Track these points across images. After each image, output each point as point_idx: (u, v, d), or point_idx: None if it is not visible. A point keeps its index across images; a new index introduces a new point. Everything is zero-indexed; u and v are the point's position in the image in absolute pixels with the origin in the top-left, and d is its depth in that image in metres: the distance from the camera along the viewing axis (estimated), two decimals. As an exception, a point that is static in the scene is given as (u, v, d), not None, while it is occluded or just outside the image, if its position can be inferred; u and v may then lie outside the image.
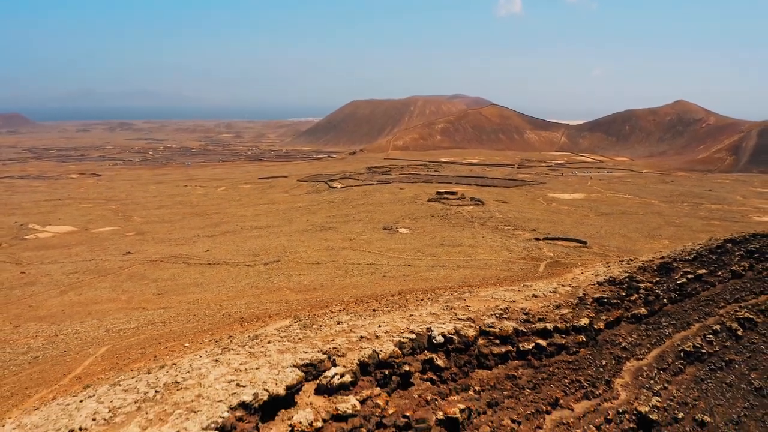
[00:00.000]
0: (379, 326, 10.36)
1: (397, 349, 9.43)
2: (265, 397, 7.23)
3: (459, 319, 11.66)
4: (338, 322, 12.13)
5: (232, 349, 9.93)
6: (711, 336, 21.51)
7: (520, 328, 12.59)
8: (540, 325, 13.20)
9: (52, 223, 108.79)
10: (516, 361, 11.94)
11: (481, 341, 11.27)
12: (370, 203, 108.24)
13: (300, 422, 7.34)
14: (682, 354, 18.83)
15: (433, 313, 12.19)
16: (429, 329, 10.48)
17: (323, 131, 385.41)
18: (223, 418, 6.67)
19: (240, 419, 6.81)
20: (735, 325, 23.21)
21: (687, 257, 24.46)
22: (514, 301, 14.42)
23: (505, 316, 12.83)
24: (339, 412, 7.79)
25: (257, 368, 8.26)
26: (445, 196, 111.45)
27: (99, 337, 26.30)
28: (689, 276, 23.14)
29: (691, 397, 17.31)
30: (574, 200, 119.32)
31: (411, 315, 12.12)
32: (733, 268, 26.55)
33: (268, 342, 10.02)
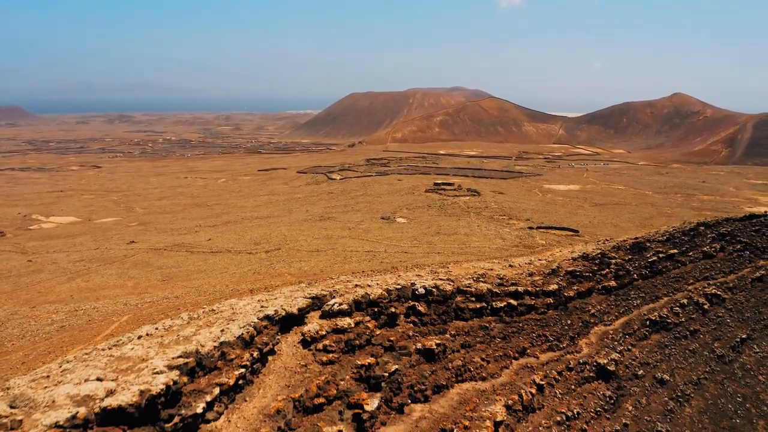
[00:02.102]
0: (372, 280, 12.30)
1: (384, 293, 11.41)
2: (283, 313, 9.30)
3: (440, 279, 13.56)
4: (338, 279, 14.08)
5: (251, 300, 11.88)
6: (678, 309, 23.48)
7: (494, 290, 14.47)
8: (512, 288, 15.08)
9: (55, 214, 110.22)
10: (489, 317, 13.82)
11: (458, 298, 13.16)
12: (369, 194, 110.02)
13: (309, 331, 9.46)
14: (648, 323, 20.79)
15: (418, 275, 14.09)
16: (413, 283, 12.41)
17: (322, 124, 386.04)
18: (255, 322, 8.74)
19: (265, 327, 8.84)
20: (702, 300, 25.19)
21: (660, 238, 26.37)
22: (491, 269, 16.30)
23: (481, 279, 14.69)
24: (338, 326, 9.90)
25: (275, 299, 10.31)
26: (443, 187, 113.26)
27: (118, 309, 28.23)
28: (660, 255, 25.07)
29: (654, 359, 19.29)
30: (569, 191, 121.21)
31: (399, 275, 14.07)
32: (705, 249, 28.48)
33: (281, 291, 11.99)
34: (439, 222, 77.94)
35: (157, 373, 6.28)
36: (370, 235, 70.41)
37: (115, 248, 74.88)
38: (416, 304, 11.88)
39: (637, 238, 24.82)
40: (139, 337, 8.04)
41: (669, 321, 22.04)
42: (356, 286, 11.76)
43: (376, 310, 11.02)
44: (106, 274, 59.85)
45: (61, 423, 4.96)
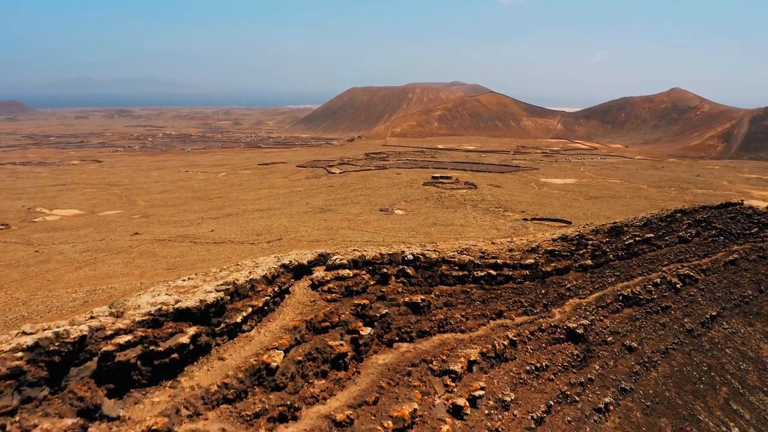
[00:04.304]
0: (367, 248, 14.26)
1: (378, 255, 13.38)
2: (296, 263, 11.34)
3: (427, 249, 15.47)
4: (338, 246, 16.06)
5: (263, 263, 13.92)
6: (651, 287, 25.44)
7: (476, 261, 16.38)
8: (492, 261, 17.00)
9: (59, 207, 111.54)
10: (471, 284, 15.75)
11: (443, 267, 15.08)
12: (368, 187, 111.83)
13: (316, 277, 11.52)
14: (621, 298, 22.72)
15: (408, 246, 16.01)
16: (402, 251, 14.35)
17: (322, 118, 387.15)
18: (274, 268, 10.73)
19: (282, 273, 10.82)
20: (675, 280, 27.16)
21: (638, 223, 28.28)
22: (475, 245, 18.18)
23: (465, 252, 16.57)
24: (339, 275, 11.91)
25: (288, 255, 12.27)
26: (441, 180, 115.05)
27: (136, 287, 30.06)
28: (637, 238, 26.99)
29: (624, 329, 21.24)
30: (565, 185, 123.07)
31: (391, 246, 15.98)
32: (681, 234, 30.41)
33: (293, 251, 14.02)
34: (436, 214, 79.87)
35: (208, 292, 8.25)
36: (369, 227, 72.31)
37: (119, 239, 76.56)
38: (405, 267, 13.84)
39: (615, 222, 26.73)
40: (183, 280, 9.97)
41: (642, 297, 24.01)
42: (354, 250, 13.73)
43: (371, 268, 12.99)
44: (113, 264, 61.60)
45: (152, 312, 6.86)
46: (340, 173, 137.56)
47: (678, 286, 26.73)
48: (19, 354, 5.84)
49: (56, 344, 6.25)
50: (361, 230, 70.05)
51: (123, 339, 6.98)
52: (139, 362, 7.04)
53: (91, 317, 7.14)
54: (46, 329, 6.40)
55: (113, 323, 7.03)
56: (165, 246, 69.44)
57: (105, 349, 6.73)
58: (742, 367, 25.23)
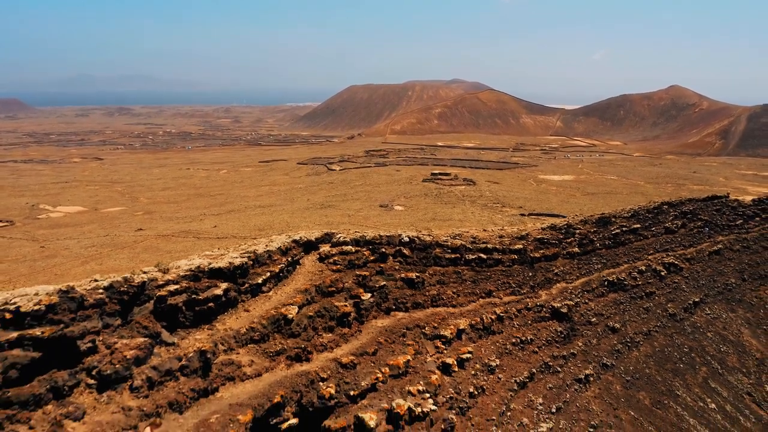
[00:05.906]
0: (367, 230, 15.67)
1: (377, 236, 14.82)
2: (305, 239, 12.85)
3: (422, 234, 16.87)
4: (340, 229, 17.54)
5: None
6: (636, 274, 26.84)
7: (468, 246, 17.78)
8: (483, 246, 18.38)
9: (62, 204, 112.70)
10: (463, 266, 17.14)
11: (437, 250, 16.48)
12: (368, 184, 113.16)
13: (323, 251, 13.02)
14: (606, 283, 24.12)
15: (405, 231, 17.45)
16: (399, 234, 15.76)
17: (321, 116, 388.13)
18: (287, 242, 12.23)
19: (293, 247, 12.30)
20: (660, 268, 28.56)
21: (625, 215, 29.68)
22: (467, 231, 19.57)
23: (457, 237, 17.96)
24: (343, 250, 13.39)
25: (298, 233, 13.74)
26: (440, 177, 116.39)
27: (147, 275, 31.63)
28: (624, 228, 28.38)
29: (608, 312, 22.63)
30: (563, 181, 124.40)
31: (388, 231, 17.43)
32: (667, 225, 31.81)
33: (301, 230, 15.50)
34: (435, 209, 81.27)
35: (234, 257, 9.71)
36: (369, 222, 73.65)
37: (124, 235, 77.84)
38: (402, 248, 15.27)
39: (603, 213, 28.11)
40: (212, 251, 11.43)
41: (627, 283, 25.41)
42: (355, 231, 15.16)
43: (371, 247, 14.46)
44: (119, 258, 62.93)
45: (192, 269, 8.29)
46: (340, 170, 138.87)
47: (663, 273, 28.13)
48: (100, 291, 7.37)
49: (125, 286, 7.82)
50: (362, 225, 71.39)
51: (172, 288, 8.68)
52: (184, 307, 8.69)
53: (144, 272, 8.71)
54: (114, 276, 7.94)
55: (163, 276, 8.64)
56: (169, 241, 70.77)
57: (159, 293, 8.40)
58: (722, 349, 26.64)
